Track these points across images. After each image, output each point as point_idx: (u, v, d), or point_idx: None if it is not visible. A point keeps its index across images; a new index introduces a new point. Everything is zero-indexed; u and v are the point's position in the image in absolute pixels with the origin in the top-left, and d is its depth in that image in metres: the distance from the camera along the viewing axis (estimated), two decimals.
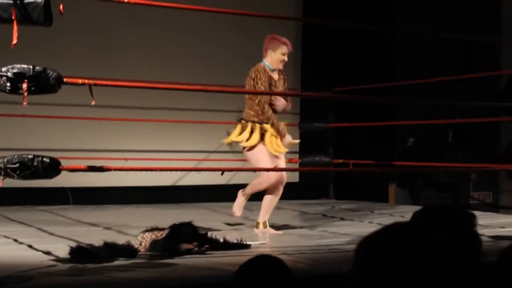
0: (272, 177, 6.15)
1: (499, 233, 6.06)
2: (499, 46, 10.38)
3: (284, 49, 6.23)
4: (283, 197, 6.38)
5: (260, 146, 6.15)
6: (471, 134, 10.01)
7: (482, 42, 9.90)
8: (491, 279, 1.74)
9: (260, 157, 6.15)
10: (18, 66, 4.03)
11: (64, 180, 6.84)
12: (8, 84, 3.98)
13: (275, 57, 6.22)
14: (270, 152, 6.15)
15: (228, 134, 6.30)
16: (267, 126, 6.14)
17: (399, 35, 9.85)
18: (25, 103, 3.92)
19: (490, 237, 5.77)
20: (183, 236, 4.90)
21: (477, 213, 7.64)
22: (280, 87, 6.31)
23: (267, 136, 6.15)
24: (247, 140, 6.13)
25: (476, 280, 1.75)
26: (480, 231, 5.90)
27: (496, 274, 1.72)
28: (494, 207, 10.28)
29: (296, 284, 2.02)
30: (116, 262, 4.46)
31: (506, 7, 10.46)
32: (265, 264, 2.04)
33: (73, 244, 4.67)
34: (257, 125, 6.15)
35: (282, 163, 6.34)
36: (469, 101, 8.52)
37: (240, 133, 6.19)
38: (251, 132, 6.15)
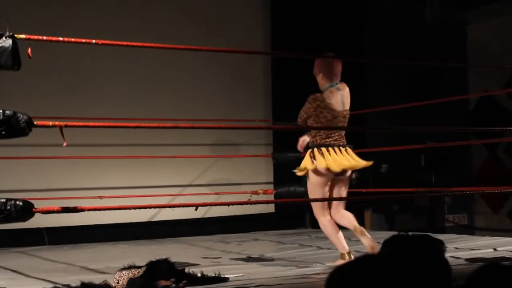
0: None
1: (474, 255, 6.10)
2: (466, 72, 10.58)
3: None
4: (259, 228, 6.37)
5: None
6: (443, 158, 10.10)
7: (450, 68, 10.05)
8: None
9: None
10: None
11: (39, 220, 6.78)
12: None
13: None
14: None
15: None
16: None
17: (367, 64, 9.96)
18: None
19: (465, 259, 5.82)
20: (160, 273, 4.88)
21: (452, 235, 7.80)
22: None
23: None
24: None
25: None
26: (456, 253, 5.95)
27: None
28: (470, 229, 10.35)
29: None
30: None
31: (470, 36, 10.75)
32: None
33: (49, 286, 4.64)
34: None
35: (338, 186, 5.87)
36: (440, 125, 8.62)
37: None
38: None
